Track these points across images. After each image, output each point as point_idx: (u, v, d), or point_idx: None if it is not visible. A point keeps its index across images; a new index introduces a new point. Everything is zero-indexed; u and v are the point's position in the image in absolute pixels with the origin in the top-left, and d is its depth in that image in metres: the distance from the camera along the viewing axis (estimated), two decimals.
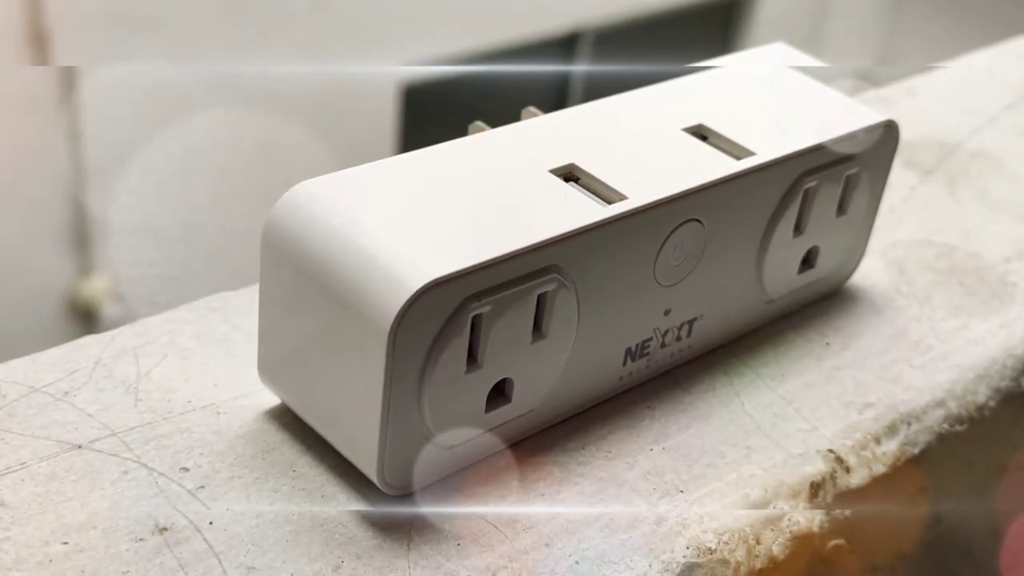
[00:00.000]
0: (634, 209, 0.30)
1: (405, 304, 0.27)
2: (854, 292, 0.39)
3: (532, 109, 0.36)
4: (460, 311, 0.28)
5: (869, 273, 0.40)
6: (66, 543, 0.27)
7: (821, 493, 0.32)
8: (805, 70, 0.38)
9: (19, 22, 1.17)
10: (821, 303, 0.38)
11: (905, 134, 0.48)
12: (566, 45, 1.59)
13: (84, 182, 1.32)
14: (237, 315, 0.34)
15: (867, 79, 0.53)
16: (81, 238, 1.38)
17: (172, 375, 0.32)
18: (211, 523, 0.28)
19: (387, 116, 1.46)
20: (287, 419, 0.31)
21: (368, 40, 1.40)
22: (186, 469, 0.29)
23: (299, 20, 1.34)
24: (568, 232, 0.29)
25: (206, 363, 0.33)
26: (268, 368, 0.31)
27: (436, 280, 0.27)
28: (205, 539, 0.28)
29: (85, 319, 1.44)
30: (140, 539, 0.28)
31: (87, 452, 0.30)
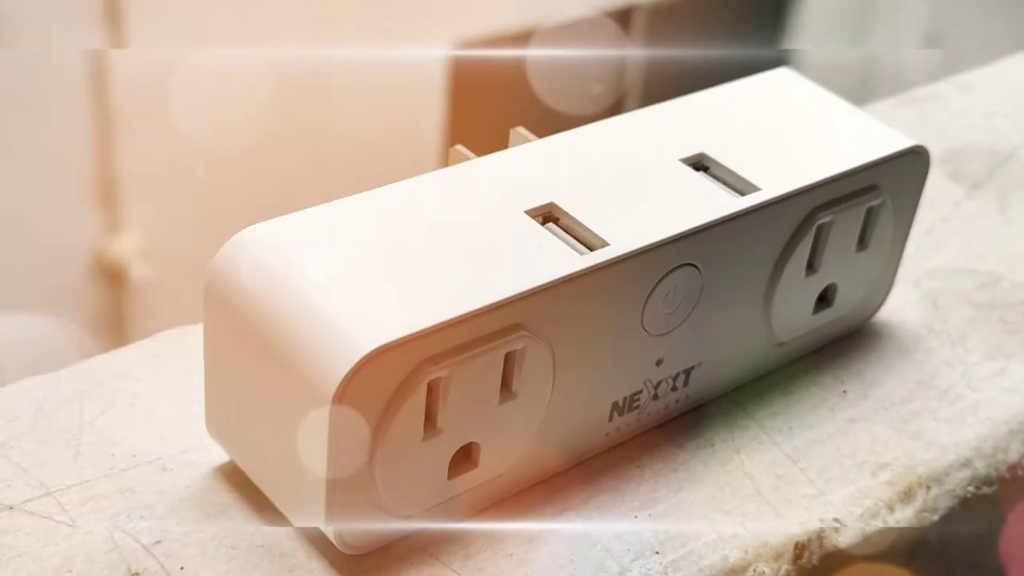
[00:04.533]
0: (616, 258, 0.29)
1: (350, 372, 0.26)
2: (880, 330, 0.37)
3: (521, 131, 0.35)
4: (414, 376, 0.27)
5: (899, 307, 0.38)
6: None
7: (806, 554, 0.31)
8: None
9: None
10: (841, 343, 0.37)
11: (953, 139, 0.46)
12: (621, 20, 1.56)
13: (111, 134, 1.32)
14: (194, 353, 0.34)
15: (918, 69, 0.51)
16: (108, 194, 1.39)
17: (118, 424, 0.32)
18: (182, 568, 0.28)
19: (435, 93, 1.45)
20: (238, 477, 0.31)
21: (415, 18, 1.39)
22: (124, 534, 0.29)
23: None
24: (537, 287, 0.28)
25: (155, 410, 0.32)
26: (215, 423, 0.30)
27: (384, 346, 0.26)
28: None
29: (113, 280, 1.45)
30: None
31: (18, 514, 0.29)
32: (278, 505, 0.29)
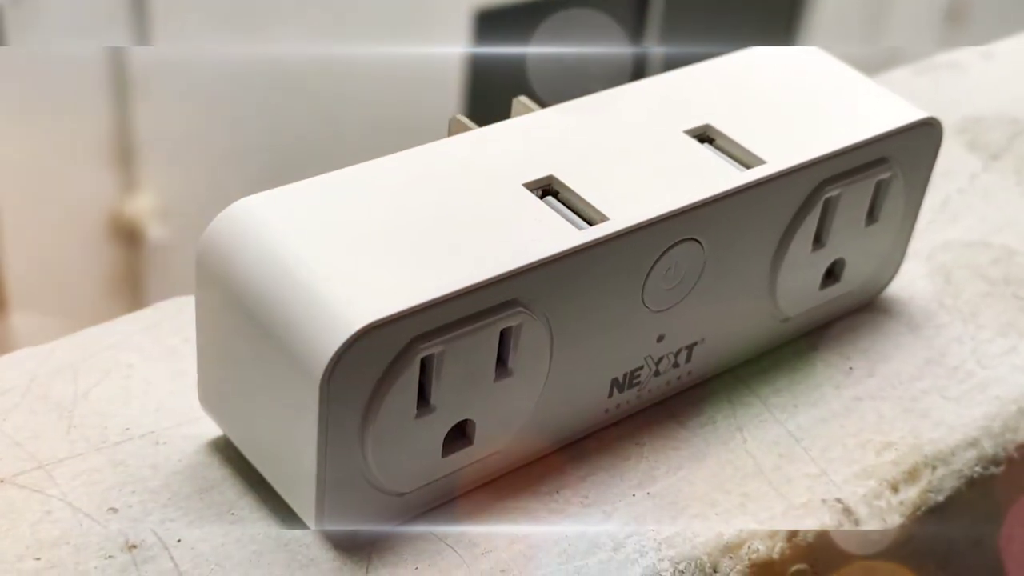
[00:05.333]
0: (615, 233, 0.29)
1: (339, 349, 0.26)
2: (889, 305, 0.37)
3: (524, 100, 0.34)
4: (406, 352, 0.27)
5: (910, 282, 0.38)
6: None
7: (801, 532, 0.30)
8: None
9: None
10: (849, 319, 0.36)
11: (973, 107, 0.46)
12: (637, 15, 1.55)
13: (127, 94, 1.32)
14: (192, 323, 0.33)
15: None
16: (124, 153, 1.39)
17: (112, 397, 0.32)
18: (179, 541, 0.28)
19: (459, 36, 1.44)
20: (231, 452, 0.30)
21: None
22: (114, 510, 0.29)
23: None
24: (534, 262, 0.28)
25: (150, 382, 0.32)
26: (208, 397, 0.30)
27: (375, 323, 0.26)
28: (172, 557, 0.28)
29: (129, 240, 1.45)
30: (110, 556, 0.28)
31: (8, 487, 0.29)
32: (270, 480, 0.29)
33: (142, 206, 1.40)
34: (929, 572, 0.34)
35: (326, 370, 0.26)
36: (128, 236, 1.41)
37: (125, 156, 1.31)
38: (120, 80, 1.23)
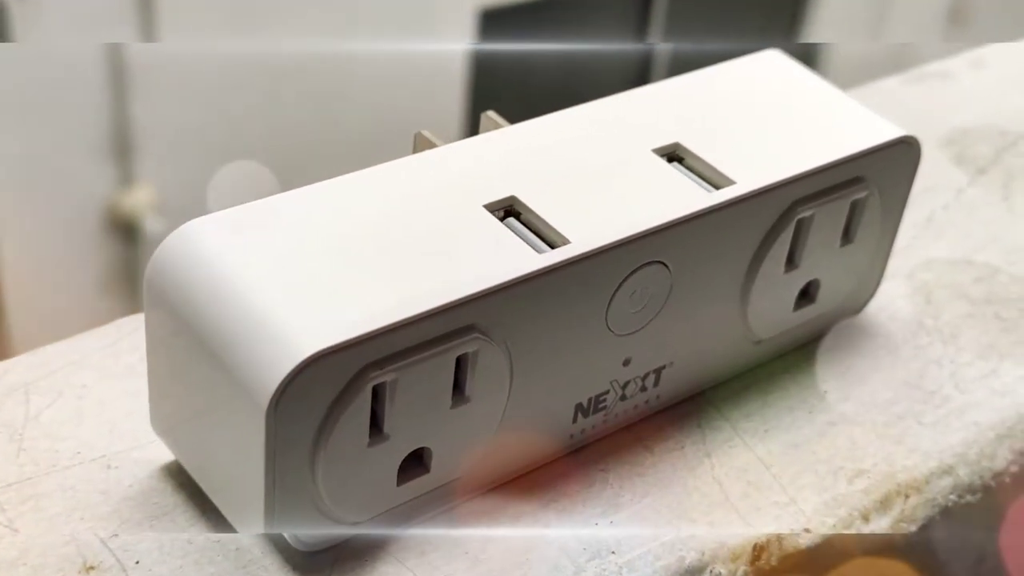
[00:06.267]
0: (576, 256, 0.28)
1: (286, 378, 0.25)
2: (868, 326, 0.36)
3: (492, 115, 0.34)
4: (357, 380, 0.26)
5: (890, 301, 0.37)
6: None
7: (765, 555, 0.30)
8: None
9: None
10: (826, 340, 0.36)
11: (960, 119, 0.45)
12: (641, 11, 1.55)
13: (126, 87, 1.32)
14: None
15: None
16: (122, 147, 1.39)
17: (64, 418, 0.31)
18: (137, 562, 0.28)
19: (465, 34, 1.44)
20: (184, 477, 0.30)
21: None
22: (62, 536, 0.28)
23: None
24: (491, 288, 0.27)
25: (104, 403, 0.32)
26: (159, 420, 0.30)
27: (324, 351, 0.25)
28: None
29: (126, 233, 1.45)
30: None
31: None
32: (220, 508, 0.29)
33: (140, 200, 1.40)
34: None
35: (272, 399, 0.25)
36: (125, 230, 1.41)
37: (123, 150, 1.31)
38: (120, 75, 1.23)
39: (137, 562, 0.28)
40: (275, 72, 1.31)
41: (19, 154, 1.22)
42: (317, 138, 1.34)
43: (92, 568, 0.28)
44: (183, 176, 1.35)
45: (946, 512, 0.32)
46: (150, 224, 1.41)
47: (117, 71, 1.21)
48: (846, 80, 0.42)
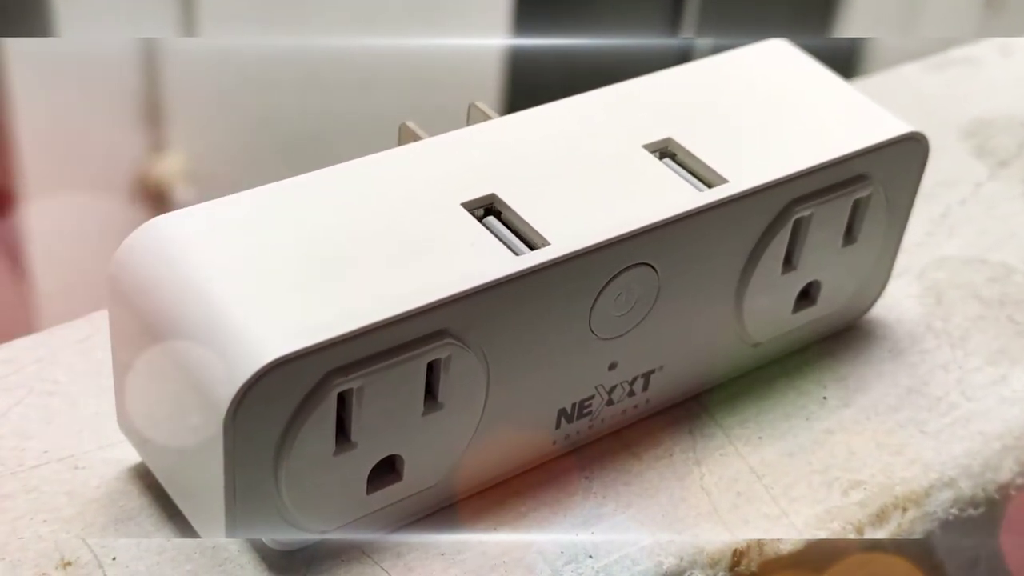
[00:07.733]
0: (555, 259, 0.27)
1: (246, 384, 0.25)
2: (873, 328, 0.35)
3: (480, 105, 0.33)
4: (321, 387, 0.26)
5: (897, 302, 0.36)
6: None
7: (745, 561, 0.29)
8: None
9: None
10: (828, 343, 0.35)
11: (983, 108, 0.44)
12: (674, 5, 1.53)
13: (157, 54, 1.32)
14: None
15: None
16: (153, 113, 1.39)
17: (33, 416, 0.31)
18: (114, 559, 0.28)
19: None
20: (151, 478, 0.29)
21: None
22: (21, 540, 0.28)
23: None
24: (463, 291, 0.26)
25: (75, 401, 0.31)
26: (124, 419, 0.29)
27: (285, 356, 0.25)
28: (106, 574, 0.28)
29: (156, 201, 1.45)
30: (44, 573, 0.27)
31: None
32: (184, 512, 0.28)
33: (170, 167, 1.40)
34: None
35: (231, 405, 0.25)
36: (155, 197, 1.41)
37: (154, 117, 1.31)
38: (156, 67, 1.23)
39: (114, 559, 0.28)
40: (313, 62, 1.31)
41: (50, 134, 1.22)
42: (347, 125, 1.33)
43: (69, 564, 0.28)
44: (214, 147, 1.35)
45: (946, 526, 0.31)
46: (180, 191, 1.41)
47: (153, 63, 1.21)
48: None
